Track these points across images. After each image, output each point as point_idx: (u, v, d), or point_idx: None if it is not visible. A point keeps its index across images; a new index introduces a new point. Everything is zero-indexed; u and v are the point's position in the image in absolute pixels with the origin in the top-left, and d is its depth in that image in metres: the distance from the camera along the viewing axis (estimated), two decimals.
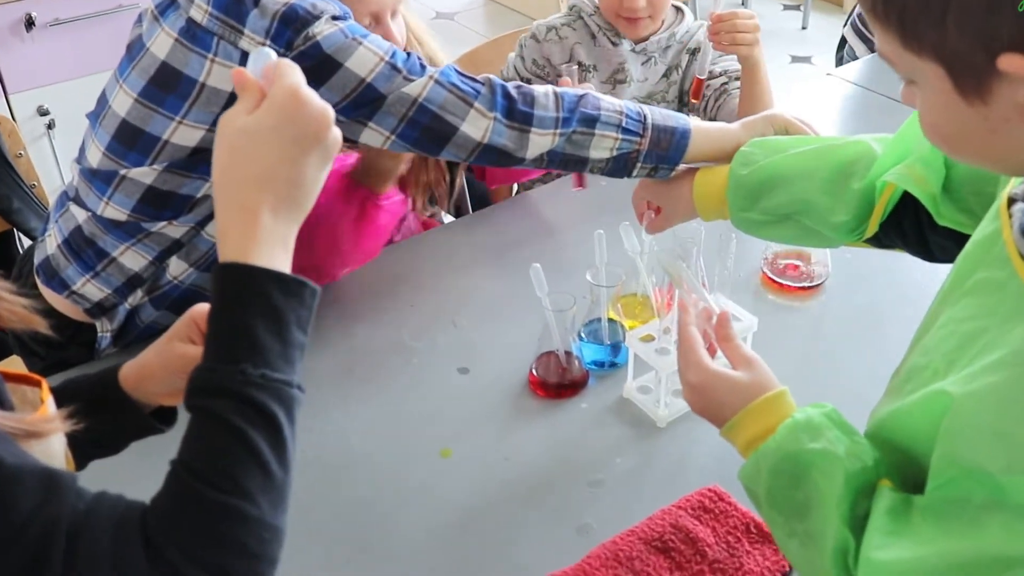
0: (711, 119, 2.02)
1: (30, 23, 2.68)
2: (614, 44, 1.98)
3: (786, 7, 5.27)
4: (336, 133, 0.85)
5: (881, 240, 1.21)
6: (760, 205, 1.25)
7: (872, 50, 2.63)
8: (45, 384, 0.83)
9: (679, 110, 2.10)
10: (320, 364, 1.45)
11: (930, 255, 1.18)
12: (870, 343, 1.46)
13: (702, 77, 1.90)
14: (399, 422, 1.37)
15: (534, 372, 1.41)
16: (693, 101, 1.94)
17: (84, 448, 0.94)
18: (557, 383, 1.40)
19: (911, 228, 1.17)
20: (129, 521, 0.74)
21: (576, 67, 1.68)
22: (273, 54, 0.86)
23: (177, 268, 1.51)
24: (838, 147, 1.22)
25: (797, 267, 1.60)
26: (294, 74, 0.84)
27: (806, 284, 1.58)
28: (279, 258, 0.82)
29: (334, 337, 1.52)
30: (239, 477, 0.75)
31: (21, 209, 1.98)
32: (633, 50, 1.98)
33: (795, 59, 4.68)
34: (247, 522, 0.75)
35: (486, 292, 1.62)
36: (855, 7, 2.73)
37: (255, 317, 0.79)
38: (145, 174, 1.41)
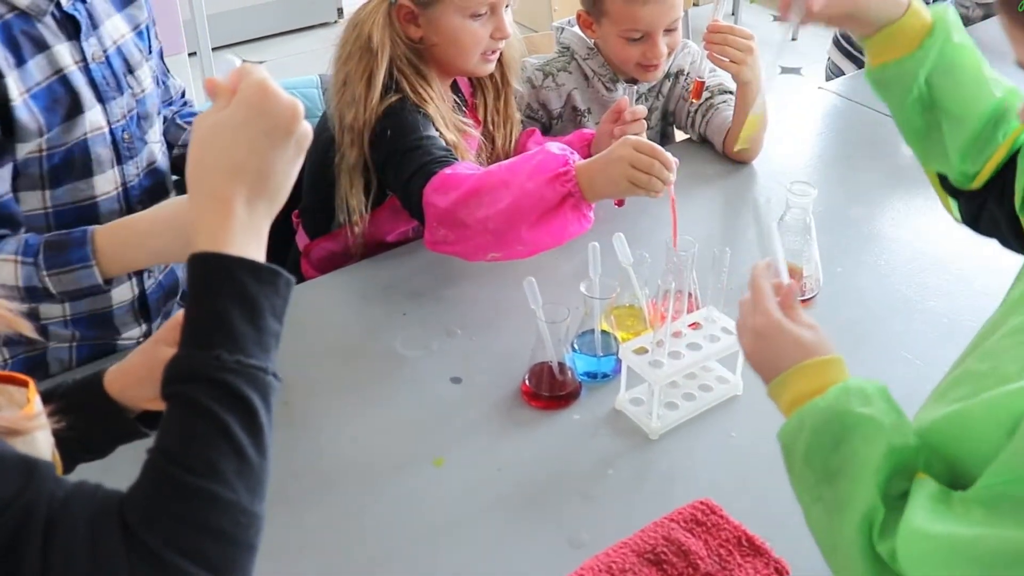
0: (700, 134, 2.04)
1: None
2: (609, 90, 1.99)
3: (776, 18, 5.29)
4: (306, 126, 0.87)
5: (981, 214, 1.20)
6: (933, 79, 1.19)
7: (859, 66, 2.65)
8: (32, 384, 0.84)
9: (662, 130, 2.12)
10: (313, 372, 1.45)
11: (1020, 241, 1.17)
12: (860, 356, 1.47)
13: (702, 80, 1.91)
14: (392, 431, 1.37)
15: (527, 383, 1.41)
16: (693, 100, 1.96)
17: (71, 451, 0.94)
18: (550, 394, 1.40)
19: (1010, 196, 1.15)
20: (107, 507, 0.75)
21: (635, 88, 1.70)
22: (237, 60, 0.89)
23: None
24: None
25: None
26: (260, 72, 0.86)
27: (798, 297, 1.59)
28: (253, 248, 0.83)
29: (327, 345, 1.52)
30: (215, 462, 0.76)
31: None
32: (626, 92, 1.99)
33: (785, 70, 4.70)
34: (224, 506, 0.75)
35: (479, 301, 1.62)
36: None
37: (229, 304, 0.80)
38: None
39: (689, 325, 1.40)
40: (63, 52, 1.38)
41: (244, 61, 0.89)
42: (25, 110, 1.32)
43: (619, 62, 1.95)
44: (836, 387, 0.93)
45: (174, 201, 1.37)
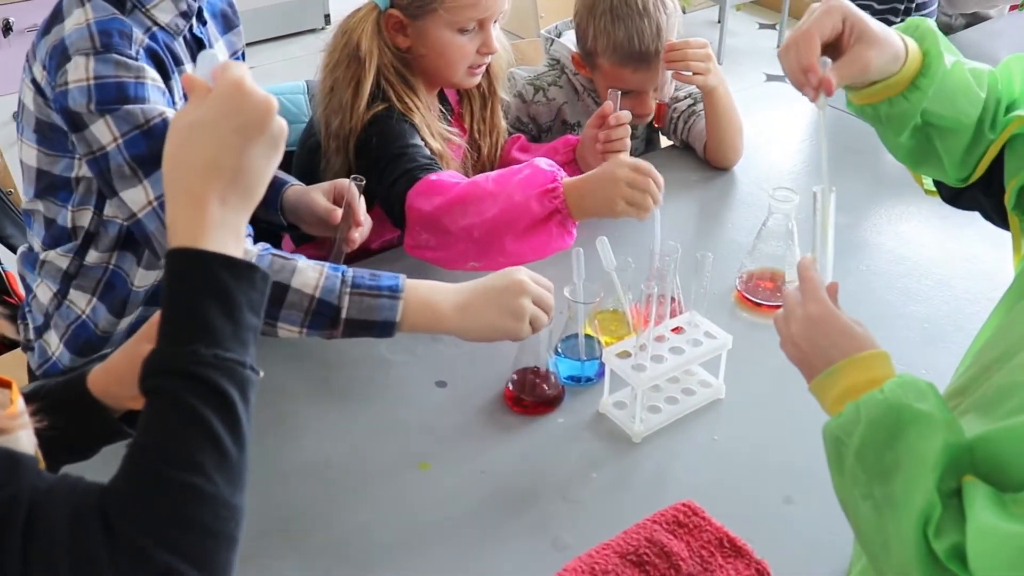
0: (682, 141, 2.05)
1: (7, 28, 2.68)
2: (597, 104, 2.00)
3: (762, 26, 5.32)
4: (280, 122, 0.88)
5: (962, 194, 1.20)
6: (928, 108, 1.15)
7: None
8: (15, 385, 0.85)
9: (647, 136, 2.14)
10: (298, 376, 1.46)
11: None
12: None
13: (664, 102, 1.92)
14: (377, 434, 1.38)
15: (510, 388, 1.42)
16: (656, 126, 1.97)
17: (55, 452, 0.95)
18: (533, 400, 1.41)
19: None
20: (88, 499, 0.75)
21: (619, 93, 1.71)
22: (219, 55, 0.90)
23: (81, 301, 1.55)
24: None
25: (771, 286, 1.62)
26: (238, 69, 0.87)
27: (780, 303, 1.60)
28: (229, 244, 0.84)
29: (312, 349, 1.52)
30: (194, 455, 0.77)
31: None
32: (611, 96, 2.00)
33: (770, 77, 4.73)
34: (203, 499, 0.76)
35: None
36: None
37: (206, 299, 0.81)
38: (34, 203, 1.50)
39: (672, 329, 1.41)
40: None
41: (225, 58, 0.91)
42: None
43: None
44: (893, 381, 0.92)
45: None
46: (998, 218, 1.18)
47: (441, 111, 1.80)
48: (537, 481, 1.30)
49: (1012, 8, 2.93)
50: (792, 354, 1.05)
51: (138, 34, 1.35)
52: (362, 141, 1.66)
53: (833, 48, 1.11)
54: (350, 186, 1.55)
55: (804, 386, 1.04)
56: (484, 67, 1.76)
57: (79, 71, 1.31)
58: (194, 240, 0.83)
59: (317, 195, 1.60)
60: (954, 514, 0.84)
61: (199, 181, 0.84)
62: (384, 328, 1.31)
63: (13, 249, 1.89)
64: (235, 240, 0.85)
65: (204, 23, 1.49)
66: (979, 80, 1.15)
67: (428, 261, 1.60)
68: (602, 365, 1.42)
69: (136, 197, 1.35)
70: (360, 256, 1.76)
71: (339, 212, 1.56)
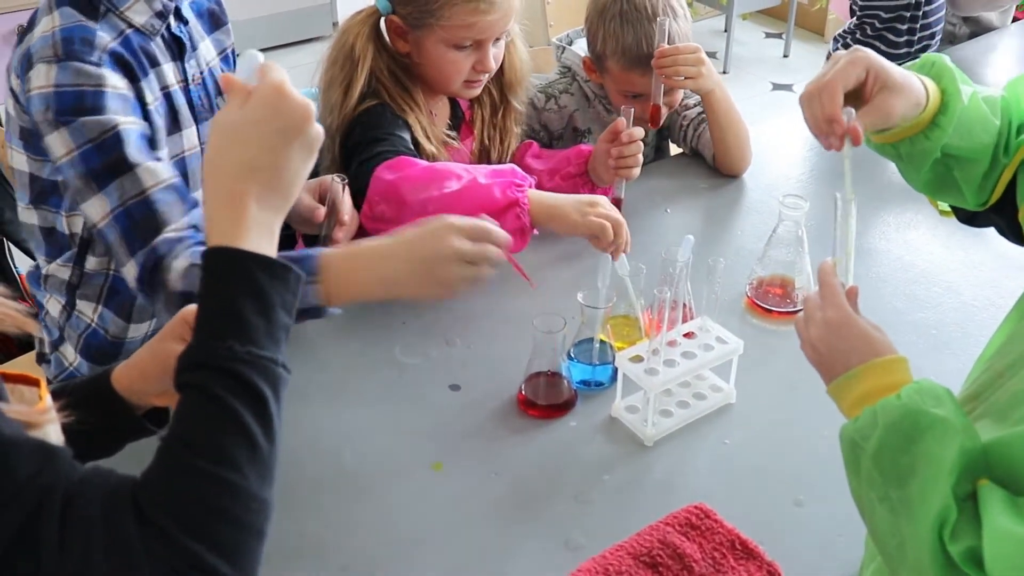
0: (692, 149, 2.07)
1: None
2: (609, 111, 2.02)
3: (768, 35, 5.34)
4: (317, 128, 0.90)
5: (977, 215, 1.21)
6: (948, 143, 1.16)
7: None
8: (43, 382, 0.86)
9: (658, 144, 2.16)
10: (313, 379, 1.47)
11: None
12: None
13: (658, 104, 1.94)
14: (391, 436, 1.39)
15: (523, 391, 1.44)
16: (651, 127, 1.98)
17: (79, 449, 0.96)
18: (545, 403, 1.43)
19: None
20: (121, 490, 0.77)
21: (632, 110, 1.72)
22: (260, 56, 0.92)
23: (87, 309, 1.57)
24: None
25: (781, 292, 1.63)
26: (279, 72, 0.90)
27: (790, 309, 1.62)
28: (265, 244, 0.87)
29: (328, 352, 1.54)
30: (226, 448, 0.79)
31: (13, 221, 2.00)
32: (623, 112, 2.02)
33: (776, 86, 4.75)
34: (235, 492, 0.78)
35: (477, 312, 1.65)
36: (833, 39, 2.78)
37: (241, 297, 0.83)
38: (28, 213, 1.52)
39: (684, 334, 1.43)
40: (168, 71, 1.44)
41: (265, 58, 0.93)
42: (156, 116, 1.38)
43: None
44: (910, 386, 0.93)
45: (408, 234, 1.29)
46: (1013, 235, 1.20)
47: (452, 115, 1.82)
48: (550, 483, 1.32)
49: (1017, 16, 2.94)
50: (812, 357, 1.06)
51: (104, 39, 1.35)
52: (348, 133, 1.69)
53: (854, 96, 1.12)
54: (333, 183, 1.55)
55: (814, 390, 1.06)
56: (484, 81, 1.77)
57: (40, 79, 1.33)
58: (232, 239, 0.85)
59: (302, 193, 1.57)
60: (969, 518, 0.85)
61: (239, 181, 0.87)
62: (314, 312, 1.29)
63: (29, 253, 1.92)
64: (269, 240, 0.88)
65: (185, 22, 1.50)
66: (992, 108, 1.17)
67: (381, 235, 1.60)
68: (615, 369, 1.43)
69: (94, 209, 1.36)
70: None
71: (323, 210, 1.55)
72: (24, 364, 1.76)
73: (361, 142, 1.66)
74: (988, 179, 1.18)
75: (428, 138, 1.72)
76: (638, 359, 1.38)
